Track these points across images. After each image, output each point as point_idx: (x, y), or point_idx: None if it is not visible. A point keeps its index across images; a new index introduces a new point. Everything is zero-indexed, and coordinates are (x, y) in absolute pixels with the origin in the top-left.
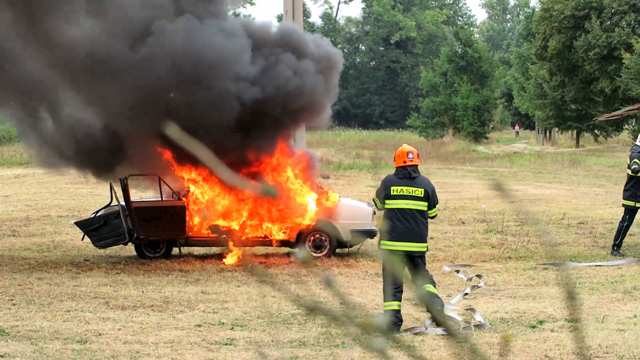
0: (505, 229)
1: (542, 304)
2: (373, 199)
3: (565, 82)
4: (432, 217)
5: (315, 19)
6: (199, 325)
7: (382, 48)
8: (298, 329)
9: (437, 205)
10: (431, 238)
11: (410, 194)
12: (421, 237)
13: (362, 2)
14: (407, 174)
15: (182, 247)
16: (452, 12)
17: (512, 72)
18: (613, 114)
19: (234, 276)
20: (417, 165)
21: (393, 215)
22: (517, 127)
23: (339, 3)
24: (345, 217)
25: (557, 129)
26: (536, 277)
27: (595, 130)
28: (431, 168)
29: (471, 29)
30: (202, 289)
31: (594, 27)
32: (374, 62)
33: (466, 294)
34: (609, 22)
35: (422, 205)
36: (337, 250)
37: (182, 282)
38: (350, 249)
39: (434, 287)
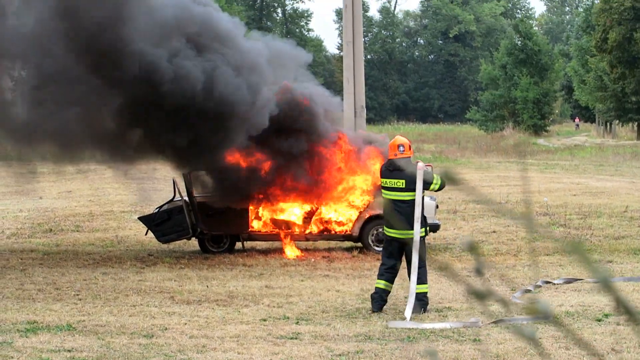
0: (567, 222)
1: (607, 297)
2: None
3: (626, 74)
4: (438, 190)
5: (374, 13)
6: (264, 320)
7: (440, 41)
8: (363, 322)
9: (434, 180)
10: (494, 232)
11: (394, 186)
12: (407, 226)
13: None
14: (397, 167)
15: (245, 242)
16: (510, 5)
17: (572, 64)
18: None
19: (298, 270)
20: (409, 158)
21: (386, 204)
22: (577, 120)
23: None
24: None
25: (617, 121)
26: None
27: None
28: (491, 161)
29: (530, 21)
30: (266, 283)
31: None
32: (432, 56)
33: (529, 290)
34: None
35: (406, 196)
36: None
37: (246, 277)
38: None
39: (390, 281)
